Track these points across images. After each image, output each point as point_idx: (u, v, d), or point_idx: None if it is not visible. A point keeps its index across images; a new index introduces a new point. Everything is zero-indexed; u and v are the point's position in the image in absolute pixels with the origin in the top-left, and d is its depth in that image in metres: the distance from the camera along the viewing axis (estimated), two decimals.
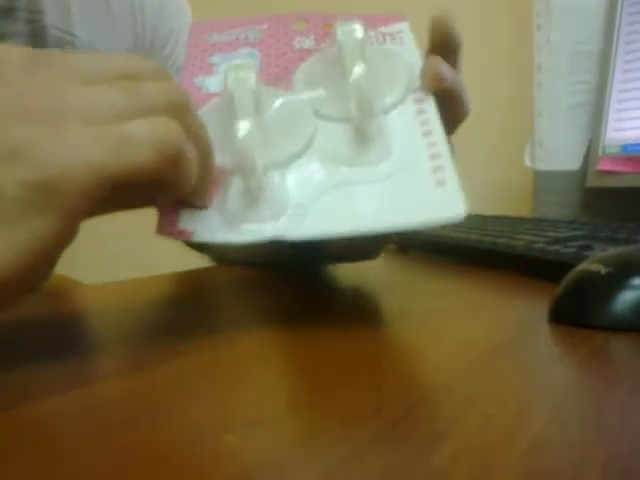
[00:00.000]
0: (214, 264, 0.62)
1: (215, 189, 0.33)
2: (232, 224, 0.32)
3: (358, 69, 0.35)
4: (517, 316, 0.36)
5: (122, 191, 0.26)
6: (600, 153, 0.76)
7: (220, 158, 0.32)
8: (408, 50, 0.40)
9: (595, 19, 0.79)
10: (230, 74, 0.34)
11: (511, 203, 0.98)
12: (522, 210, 0.90)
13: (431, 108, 0.36)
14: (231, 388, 0.24)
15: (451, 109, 0.38)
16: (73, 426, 0.21)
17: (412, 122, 0.36)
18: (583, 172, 0.79)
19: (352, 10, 0.41)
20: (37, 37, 0.50)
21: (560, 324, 0.31)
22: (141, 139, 0.26)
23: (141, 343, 0.32)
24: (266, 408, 0.22)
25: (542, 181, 0.83)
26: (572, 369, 0.26)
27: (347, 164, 0.34)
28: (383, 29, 0.41)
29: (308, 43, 0.40)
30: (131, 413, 0.22)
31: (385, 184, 0.33)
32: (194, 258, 0.63)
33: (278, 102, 0.36)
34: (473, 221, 0.71)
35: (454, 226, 0.67)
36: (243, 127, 0.32)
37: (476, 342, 0.30)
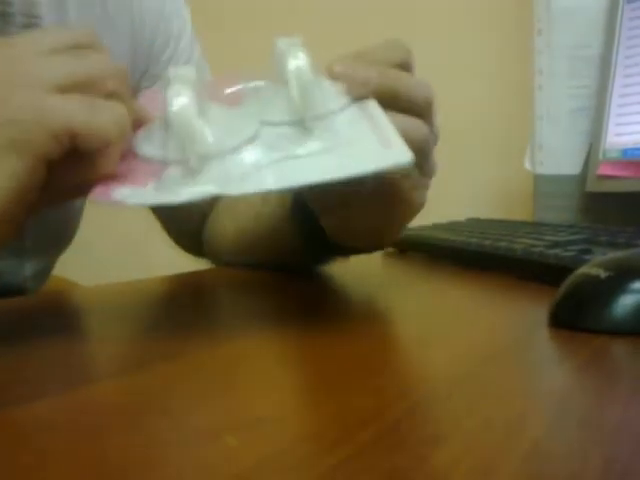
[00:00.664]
0: (212, 267, 0.62)
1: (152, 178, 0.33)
2: (169, 188, 0.32)
3: (298, 61, 0.34)
4: (517, 320, 0.36)
5: (74, 156, 0.31)
6: (600, 157, 0.76)
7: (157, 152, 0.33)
8: None
9: (596, 23, 0.79)
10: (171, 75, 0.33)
11: (511, 207, 0.98)
12: (522, 214, 0.89)
13: (374, 105, 0.35)
14: (230, 389, 0.24)
15: (400, 105, 0.36)
16: (70, 427, 0.21)
17: (358, 118, 0.35)
18: (583, 176, 0.79)
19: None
20: None
21: (560, 328, 0.31)
22: (106, 110, 0.31)
23: (139, 344, 0.32)
24: (265, 409, 0.22)
25: (542, 185, 0.83)
26: (572, 373, 0.26)
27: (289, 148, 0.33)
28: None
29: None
30: (129, 414, 0.22)
31: (331, 153, 0.33)
32: (191, 261, 0.63)
33: (222, 110, 0.35)
34: (473, 225, 0.71)
35: (454, 229, 0.67)
36: (179, 102, 0.32)
37: (475, 345, 0.30)
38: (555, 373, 0.26)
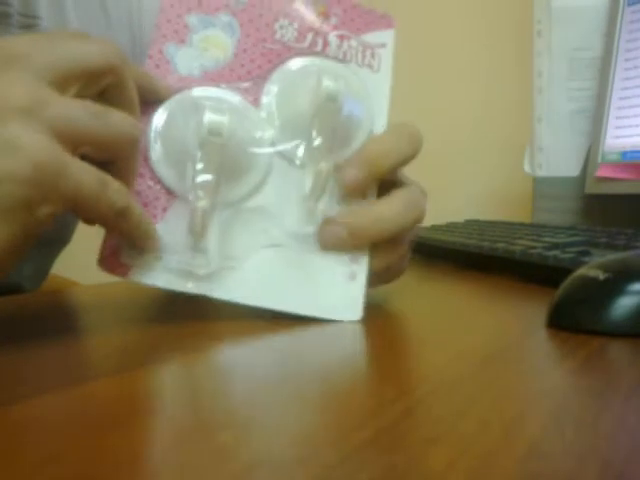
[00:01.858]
0: None
1: (158, 211, 0.35)
2: (169, 271, 0.35)
3: (324, 165, 0.36)
4: (515, 321, 0.36)
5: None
6: (599, 160, 0.76)
7: (168, 174, 0.35)
8: (379, 81, 0.40)
9: (596, 26, 0.79)
10: (206, 117, 0.34)
11: (510, 209, 0.98)
12: (521, 216, 0.90)
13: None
14: (229, 387, 0.24)
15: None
16: (66, 426, 0.21)
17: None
18: (582, 178, 0.79)
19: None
20: None
21: (558, 329, 0.31)
22: (114, 185, 0.30)
23: (137, 343, 0.32)
24: (263, 408, 0.22)
25: (541, 187, 0.83)
26: (569, 374, 0.26)
27: (290, 223, 0.36)
28: (367, 37, 0.40)
29: (290, 34, 0.39)
30: (125, 413, 0.22)
31: (308, 262, 0.36)
32: None
33: (236, 139, 0.36)
34: (472, 226, 0.71)
35: (453, 231, 0.67)
36: (197, 208, 0.34)
37: (473, 346, 0.30)
38: (553, 374, 0.26)
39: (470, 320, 0.36)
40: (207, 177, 0.34)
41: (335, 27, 0.39)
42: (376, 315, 0.39)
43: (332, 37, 0.39)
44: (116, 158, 0.31)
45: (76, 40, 0.31)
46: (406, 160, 0.37)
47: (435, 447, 0.18)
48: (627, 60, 0.75)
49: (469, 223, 0.76)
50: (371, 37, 0.40)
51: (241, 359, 0.29)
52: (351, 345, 0.30)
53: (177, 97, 0.36)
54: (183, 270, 0.34)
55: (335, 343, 0.31)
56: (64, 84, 0.29)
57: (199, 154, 0.34)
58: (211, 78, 0.37)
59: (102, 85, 0.31)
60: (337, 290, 0.36)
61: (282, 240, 0.36)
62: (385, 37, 0.41)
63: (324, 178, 0.36)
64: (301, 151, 0.37)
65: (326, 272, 0.36)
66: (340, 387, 0.24)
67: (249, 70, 0.38)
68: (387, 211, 0.37)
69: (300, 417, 0.21)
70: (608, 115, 0.76)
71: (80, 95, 0.30)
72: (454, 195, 0.97)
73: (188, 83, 0.37)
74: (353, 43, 0.40)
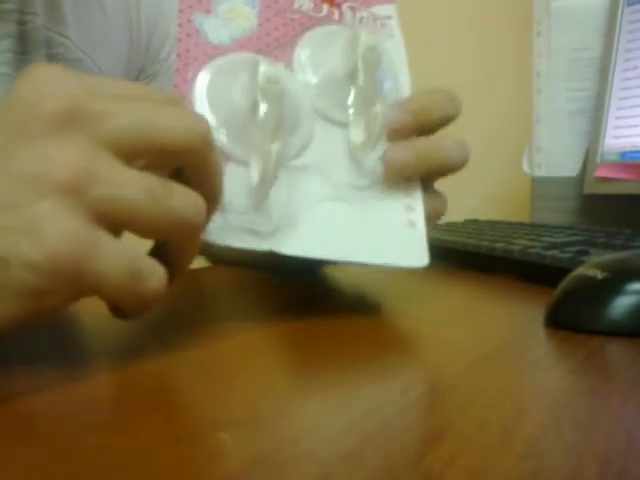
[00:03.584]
0: (210, 265, 0.62)
1: None
2: (234, 229, 0.33)
3: (379, 107, 0.36)
4: (513, 320, 0.36)
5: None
6: (598, 160, 0.76)
7: (223, 139, 0.34)
8: (396, 45, 0.41)
9: (595, 26, 0.79)
10: (260, 67, 0.34)
11: (509, 209, 0.98)
12: (520, 216, 0.90)
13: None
14: (228, 386, 0.24)
15: (436, 175, 0.39)
16: (65, 423, 0.21)
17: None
18: (581, 179, 0.79)
19: None
20: (28, 39, 0.49)
21: (556, 328, 0.31)
22: (153, 280, 0.26)
23: (136, 341, 0.32)
24: (263, 406, 0.22)
25: (540, 187, 0.83)
26: (568, 373, 0.26)
27: (339, 178, 0.36)
28: (374, 10, 0.41)
29: (307, 5, 0.40)
30: (125, 410, 0.22)
31: (365, 212, 0.36)
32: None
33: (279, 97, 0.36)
34: (471, 226, 0.71)
35: (452, 230, 0.67)
36: (272, 150, 0.33)
37: (472, 345, 0.30)
38: (551, 373, 0.26)
39: (469, 319, 0.37)
40: (272, 121, 0.33)
41: (345, 0, 0.40)
42: (375, 314, 0.39)
43: (345, 8, 0.40)
44: (167, 242, 0.28)
45: (162, 109, 0.27)
46: (449, 118, 0.38)
47: (434, 445, 0.18)
48: (626, 60, 0.75)
49: (468, 223, 0.76)
50: (377, 10, 0.41)
51: (241, 356, 0.29)
52: (350, 343, 0.30)
53: (216, 62, 0.36)
54: (246, 228, 0.34)
55: (332, 341, 0.31)
56: (132, 156, 0.26)
57: (260, 104, 0.33)
58: (242, 45, 0.37)
59: (177, 163, 0.28)
60: (399, 238, 0.36)
61: (336, 194, 0.36)
62: (389, 11, 0.42)
63: (380, 121, 0.36)
64: (350, 100, 0.37)
65: (385, 221, 0.36)
66: (338, 385, 0.24)
67: (276, 37, 0.38)
68: (447, 141, 0.37)
69: (298, 416, 0.21)
70: (607, 115, 0.76)
71: (149, 167, 0.26)
72: (453, 195, 0.96)
73: (221, 51, 0.37)
74: (364, 14, 0.41)
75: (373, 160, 0.36)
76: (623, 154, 0.74)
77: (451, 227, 0.71)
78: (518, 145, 0.88)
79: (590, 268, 0.32)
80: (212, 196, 0.29)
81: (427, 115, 0.37)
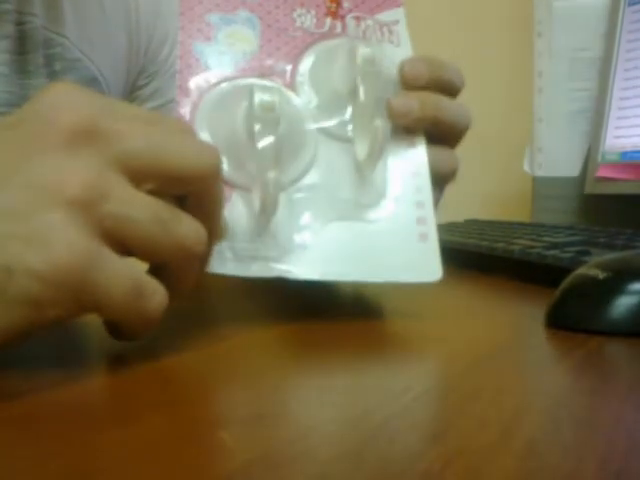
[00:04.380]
0: None
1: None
2: (241, 259, 0.34)
3: (379, 122, 0.36)
4: (514, 320, 0.36)
5: None
6: (599, 160, 0.76)
7: (225, 169, 0.34)
8: (403, 52, 0.40)
9: (596, 26, 0.79)
10: (257, 96, 0.34)
11: (510, 209, 0.98)
12: (521, 216, 0.90)
13: (421, 144, 0.38)
14: (228, 386, 0.24)
15: (441, 132, 0.38)
16: (66, 422, 0.21)
17: (404, 159, 0.37)
18: (582, 179, 0.79)
19: None
20: (26, 39, 0.49)
21: (557, 328, 0.31)
22: (156, 297, 0.26)
23: (137, 340, 0.32)
24: (263, 406, 0.22)
25: (541, 187, 0.83)
26: (568, 373, 0.26)
27: (346, 196, 0.36)
28: (380, 17, 0.41)
29: (309, 21, 0.39)
30: (126, 409, 0.22)
31: (375, 229, 0.36)
32: None
33: (282, 119, 0.36)
34: (471, 226, 0.71)
35: (453, 230, 0.67)
36: (269, 178, 0.33)
37: (472, 345, 0.30)
38: (551, 373, 0.26)
39: (469, 319, 0.37)
40: (269, 150, 0.33)
41: (349, 10, 0.40)
42: (376, 314, 0.39)
43: (349, 19, 0.40)
44: (168, 266, 0.28)
45: (176, 135, 0.28)
46: (457, 85, 0.39)
47: (433, 445, 0.18)
48: (627, 60, 0.75)
49: (469, 223, 0.76)
50: (384, 16, 0.41)
51: (242, 356, 0.29)
52: (350, 343, 0.30)
53: (216, 90, 0.36)
54: (254, 256, 0.33)
55: (333, 340, 0.31)
56: (143, 179, 0.26)
57: (256, 131, 0.33)
58: (243, 70, 0.37)
59: (184, 190, 0.28)
60: (411, 253, 0.36)
61: (344, 214, 0.36)
62: (397, 14, 0.42)
63: (381, 135, 0.36)
64: (352, 115, 0.37)
65: (396, 238, 0.36)
66: (338, 384, 0.24)
67: (277, 58, 0.38)
68: (453, 102, 0.38)
69: (298, 415, 0.21)
70: (608, 115, 0.76)
71: (154, 193, 0.26)
72: (454, 195, 0.97)
73: (221, 78, 0.37)
74: (369, 22, 0.40)
75: (379, 175, 0.36)
76: (624, 154, 0.74)
77: (451, 227, 0.71)
78: (519, 145, 0.88)
79: (591, 268, 0.32)
80: (214, 226, 0.29)
81: (440, 72, 0.38)
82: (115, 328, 0.27)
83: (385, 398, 0.22)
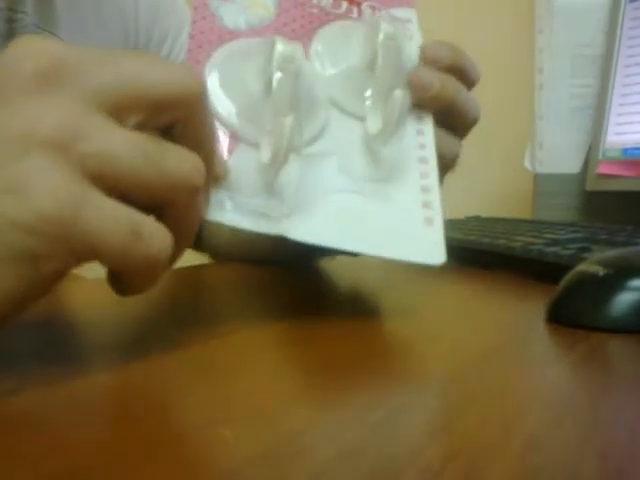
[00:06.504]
0: (212, 261, 0.62)
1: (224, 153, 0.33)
2: (241, 211, 0.32)
3: (399, 93, 0.35)
4: (515, 317, 0.36)
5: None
6: (600, 157, 0.76)
7: (234, 120, 0.33)
8: (415, 48, 0.40)
9: (597, 23, 0.79)
10: (278, 46, 0.33)
11: (511, 205, 0.98)
12: (522, 213, 0.89)
13: (429, 130, 0.38)
14: (228, 382, 0.24)
15: (452, 118, 0.38)
16: (63, 420, 0.21)
17: (412, 143, 0.37)
18: (583, 175, 0.79)
19: None
20: (16, 37, 0.49)
21: (557, 325, 0.31)
22: (156, 240, 0.24)
23: (136, 337, 0.32)
24: (263, 402, 0.22)
25: (542, 184, 0.83)
26: (569, 369, 0.26)
27: (356, 170, 0.35)
28: (394, 12, 0.41)
29: (326, 1, 0.39)
30: (126, 406, 0.22)
31: (380, 207, 0.35)
32: (192, 255, 0.63)
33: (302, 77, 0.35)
34: (473, 222, 0.71)
35: (454, 227, 0.67)
36: (284, 125, 0.32)
37: (474, 342, 0.30)
38: (552, 370, 0.26)
39: (470, 315, 0.37)
40: (286, 97, 0.32)
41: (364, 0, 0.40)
42: (376, 311, 0.39)
43: (365, 7, 0.40)
44: (169, 206, 0.26)
45: (146, 62, 0.26)
46: (475, 77, 0.39)
47: (434, 441, 0.18)
48: (629, 57, 0.75)
49: (470, 219, 0.76)
50: (398, 12, 0.41)
51: (242, 353, 0.29)
52: (350, 339, 0.30)
53: (230, 45, 0.36)
54: (258, 212, 0.32)
55: (333, 337, 0.31)
56: (123, 113, 0.24)
57: (276, 78, 0.32)
58: (257, 33, 0.37)
59: (170, 118, 0.26)
60: (415, 233, 0.35)
61: (351, 186, 0.35)
62: (409, 14, 0.42)
63: (399, 105, 0.35)
64: (369, 92, 0.36)
65: (401, 216, 0.35)
66: (339, 381, 0.24)
67: (293, 29, 0.38)
68: (468, 93, 0.38)
69: (298, 411, 0.22)
70: (609, 112, 0.76)
71: (141, 127, 0.25)
72: (455, 192, 0.96)
73: (235, 36, 0.36)
74: (384, 14, 0.40)
75: (389, 153, 0.36)
76: (625, 151, 0.74)
77: (453, 224, 0.71)
78: (520, 142, 0.88)
79: (592, 265, 0.32)
80: (208, 156, 0.28)
81: (461, 61, 0.38)
82: (119, 281, 0.26)
83: (385, 395, 0.22)
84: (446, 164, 0.39)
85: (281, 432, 0.19)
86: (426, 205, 0.36)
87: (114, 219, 0.23)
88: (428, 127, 0.38)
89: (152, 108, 0.25)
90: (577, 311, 0.31)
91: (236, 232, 0.32)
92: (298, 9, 0.38)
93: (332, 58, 0.38)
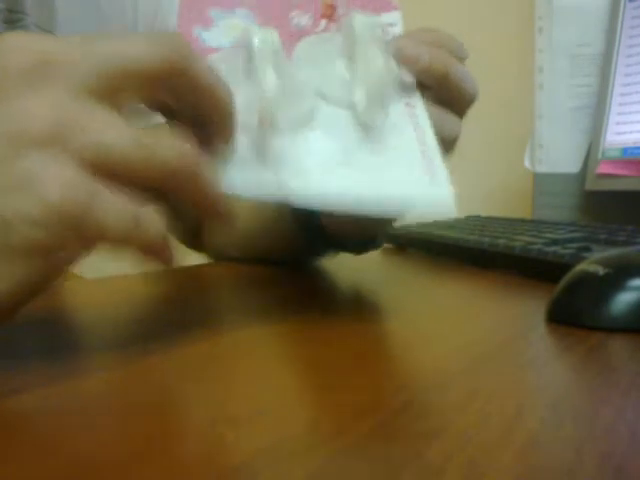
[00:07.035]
0: (212, 261, 0.62)
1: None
2: (239, 179, 0.32)
3: (379, 60, 0.35)
4: (515, 316, 0.36)
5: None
6: (600, 156, 0.76)
7: None
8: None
9: (597, 22, 0.79)
10: (254, 33, 0.34)
11: (511, 205, 0.98)
12: (522, 212, 0.90)
13: (417, 101, 0.37)
14: (228, 382, 0.24)
15: (448, 92, 0.37)
16: (63, 420, 0.21)
17: (403, 115, 0.36)
18: (583, 175, 0.79)
19: None
20: None
21: (557, 324, 0.31)
22: (152, 223, 0.25)
23: (137, 337, 0.32)
24: (263, 402, 0.22)
25: (542, 183, 0.83)
26: (568, 369, 0.26)
27: (350, 145, 0.35)
28: (378, 20, 0.41)
29: (304, 21, 0.40)
30: (126, 406, 0.22)
31: (384, 174, 0.34)
32: (192, 255, 0.63)
33: (282, 71, 0.36)
34: (473, 222, 0.71)
35: (453, 226, 0.67)
36: (267, 85, 0.33)
37: (473, 341, 0.30)
38: (552, 369, 0.26)
39: (470, 315, 0.37)
40: (268, 64, 0.33)
41: (345, 14, 0.40)
42: (375, 309, 0.39)
43: (344, 19, 0.40)
44: (175, 190, 0.27)
45: (129, 40, 0.26)
46: (460, 53, 0.37)
47: (434, 440, 0.18)
48: (628, 56, 0.75)
49: (470, 219, 0.76)
50: (380, 18, 0.41)
51: (241, 353, 0.29)
52: (350, 339, 0.30)
53: (214, 55, 0.37)
54: (253, 178, 0.32)
55: (333, 337, 0.31)
56: (113, 94, 0.25)
57: (255, 46, 0.33)
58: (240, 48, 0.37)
59: (166, 91, 0.27)
60: (423, 190, 0.33)
61: (346, 158, 0.34)
62: (393, 18, 0.41)
63: (385, 76, 0.35)
64: (346, 81, 0.36)
65: (405, 179, 0.34)
66: (339, 380, 0.24)
67: None
68: (465, 68, 0.37)
69: (298, 410, 0.22)
70: (609, 111, 0.76)
71: (141, 104, 0.26)
72: (455, 191, 0.97)
73: (218, 51, 0.37)
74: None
75: (382, 122, 0.35)
76: (625, 150, 0.74)
77: (453, 223, 0.71)
78: (520, 141, 0.88)
79: (592, 264, 0.32)
80: (218, 108, 0.28)
81: (443, 39, 0.37)
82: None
83: (385, 394, 0.22)
84: (445, 145, 0.37)
85: (281, 432, 0.19)
86: (429, 170, 0.34)
87: (117, 208, 0.24)
88: (415, 99, 0.37)
89: (142, 83, 0.26)
90: (577, 310, 0.31)
91: (235, 231, 0.32)
92: (277, 30, 0.39)
93: (313, 60, 0.38)
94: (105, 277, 0.52)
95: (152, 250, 0.26)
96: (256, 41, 0.34)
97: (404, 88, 0.37)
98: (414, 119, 0.36)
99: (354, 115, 0.35)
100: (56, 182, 0.23)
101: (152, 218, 0.25)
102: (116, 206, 0.24)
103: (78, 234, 0.23)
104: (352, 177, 0.33)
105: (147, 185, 0.25)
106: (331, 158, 0.34)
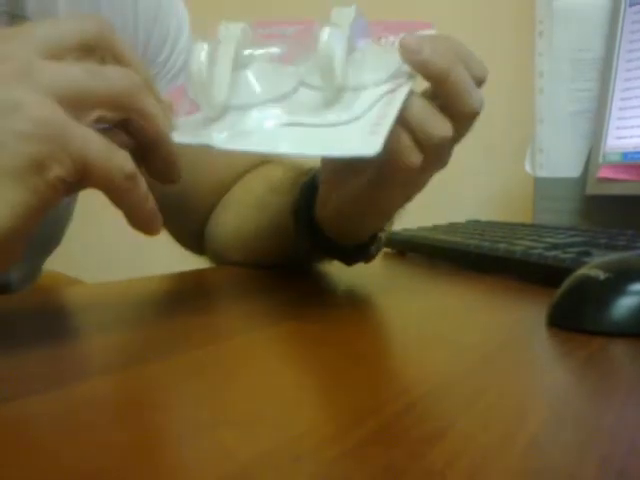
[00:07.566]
0: (212, 265, 0.62)
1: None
2: (184, 129, 0.36)
3: (325, 34, 0.35)
4: (515, 320, 0.36)
5: None
6: (600, 161, 0.76)
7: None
8: None
9: (597, 26, 0.79)
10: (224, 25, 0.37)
11: (511, 209, 0.98)
12: (522, 217, 0.89)
13: (402, 93, 0.35)
14: (229, 385, 0.24)
15: (448, 98, 0.36)
16: (65, 422, 0.21)
17: (376, 99, 0.35)
18: (583, 179, 0.79)
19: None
20: None
21: (558, 329, 0.31)
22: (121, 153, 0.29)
23: (138, 341, 0.32)
24: (264, 405, 0.22)
25: (542, 188, 0.83)
26: (569, 372, 0.26)
27: (303, 115, 0.36)
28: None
29: None
30: (125, 410, 0.22)
31: (327, 129, 0.35)
32: (192, 259, 0.63)
33: (269, 61, 0.38)
34: (473, 226, 0.71)
35: (454, 231, 0.67)
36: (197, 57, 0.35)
37: (475, 345, 0.30)
38: (553, 373, 0.26)
39: (471, 319, 0.37)
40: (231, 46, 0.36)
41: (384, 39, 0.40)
42: (376, 314, 0.39)
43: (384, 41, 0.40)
44: (129, 114, 0.32)
45: (68, 19, 0.34)
46: (480, 71, 0.39)
47: (435, 444, 0.18)
48: (629, 61, 0.75)
49: (470, 223, 0.76)
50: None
51: (242, 356, 0.29)
52: (351, 343, 0.30)
53: None
54: (198, 128, 0.35)
55: (334, 341, 0.31)
56: (60, 54, 0.30)
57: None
58: None
59: (99, 55, 0.32)
60: (356, 137, 0.34)
61: (297, 119, 0.36)
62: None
63: (367, 57, 0.36)
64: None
65: (344, 129, 0.34)
66: (341, 384, 0.24)
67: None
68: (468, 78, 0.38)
69: (300, 414, 0.22)
70: (609, 116, 0.76)
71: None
72: (455, 195, 0.97)
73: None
74: (392, 38, 0.39)
75: (365, 99, 0.35)
76: (625, 155, 0.74)
77: (453, 227, 0.71)
78: (520, 146, 0.88)
79: (592, 268, 0.32)
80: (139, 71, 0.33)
81: (463, 53, 0.38)
82: (131, 222, 0.31)
83: (387, 398, 0.22)
84: (432, 148, 0.36)
85: (282, 435, 0.19)
86: (377, 125, 0.34)
87: (91, 135, 0.28)
88: (401, 91, 0.35)
89: (80, 46, 0.31)
90: (578, 315, 0.31)
91: (240, 226, 0.34)
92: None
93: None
94: (105, 282, 0.52)
95: (129, 178, 0.29)
96: (222, 30, 0.36)
97: (397, 75, 0.36)
98: (386, 104, 0.35)
99: (324, 95, 0.36)
100: (39, 102, 0.27)
101: (119, 149, 0.29)
102: (90, 133, 0.28)
103: (64, 148, 0.27)
104: (290, 131, 0.35)
105: (108, 109, 0.30)
106: (277, 119, 0.35)
